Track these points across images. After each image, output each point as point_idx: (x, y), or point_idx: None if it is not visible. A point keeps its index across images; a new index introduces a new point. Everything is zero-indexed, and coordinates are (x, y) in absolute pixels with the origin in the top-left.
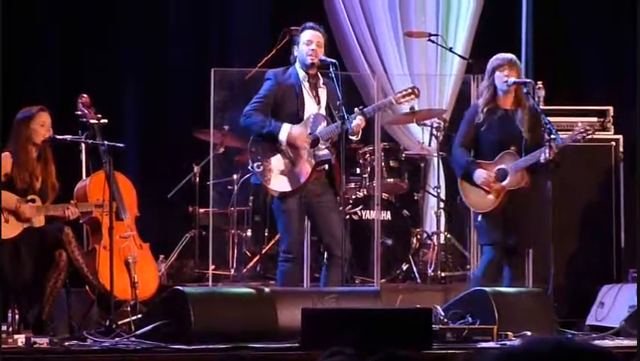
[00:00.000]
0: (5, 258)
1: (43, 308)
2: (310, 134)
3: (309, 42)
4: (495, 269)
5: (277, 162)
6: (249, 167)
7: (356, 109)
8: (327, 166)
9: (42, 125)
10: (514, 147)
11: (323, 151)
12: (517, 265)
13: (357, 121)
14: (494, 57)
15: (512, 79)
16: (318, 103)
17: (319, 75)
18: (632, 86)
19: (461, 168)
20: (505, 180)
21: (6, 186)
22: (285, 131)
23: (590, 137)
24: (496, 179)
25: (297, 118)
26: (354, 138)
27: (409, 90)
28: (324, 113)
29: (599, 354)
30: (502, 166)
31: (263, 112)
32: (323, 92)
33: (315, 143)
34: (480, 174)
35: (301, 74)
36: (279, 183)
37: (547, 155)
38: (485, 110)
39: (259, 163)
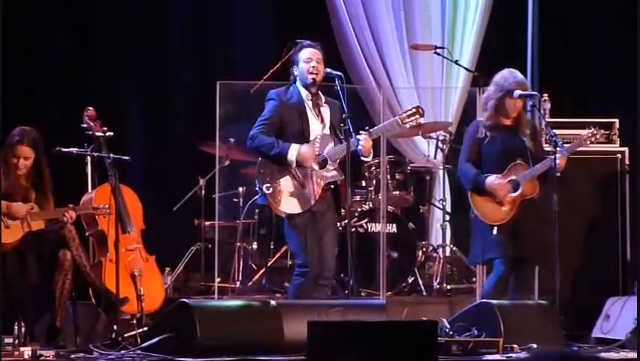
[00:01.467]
0: (10, 265)
1: (56, 314)
2: (318, 154)
3: (309, 60)
4: (505, 283)
5: (286, 183)
6: (257, 188)
7: (362, 131)
8: (333, 186)
9: (20, 158)
10: (520, 159)
11: (332, 172)
12: (524, 278)
13: (363, 142)
14: (509, 75)
15: (518, 92)
16: (322, 122)
17: (320, 94)
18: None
19: (469, 180)
20: (519, 190)
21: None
22: (294, 151)
23: (595, 146)
24: (507, 185)
25: (302, 138)
26: (366, 159)
27: (414, 110)
28: (329, 133)
29: None
30: (513, 177)
31: (269, 133)
32: (326, 111)
33: (323, 164)
34: (491, 179)
35: (303, 92)
36: (289, 205)
37: (561, 164)
38: (487, 124)
39: (268, 185)
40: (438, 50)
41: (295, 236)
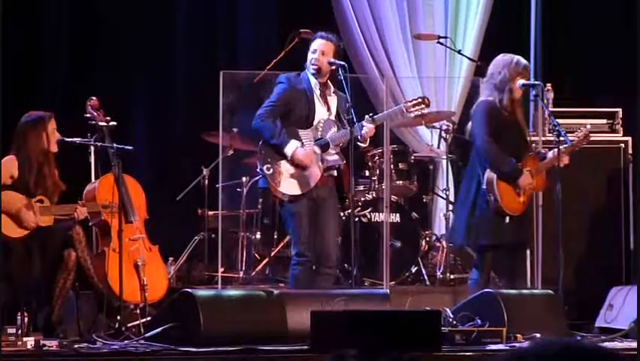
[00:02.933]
0: (16, 257)
1: (53, 310)
2: (321, 138)
3: (314, 51)
4: (488, 275)
5: (287, 165)
6: (258, 169)
7: (367, 116)
8: (335, 172)
9: (53, 133)
10: (526, 149)
11: (333, 156)
12: (518, 265)
13: (367, 129)
14: (511, 59)
15: (522, 81)
16: (328, 110)
17: (329, 84)
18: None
19: (505, 168)
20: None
21: (13, 188)
22: (292, 148)
23: (599, 135)
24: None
25: (306, 122)
26: (363, 144)
27: (419, 100)
28: (335, 120)
29: (606, 356)
30: (528, 169)
31: (275, 116)
32: (333, 100)
33: (325, 148)
34: (526, 180)
35: (312, 80)
36: (289, 187)
37: (565, 161)
38: (502, 109)
39: (269, 166)
40: (441, 40)
41: (294, 223)
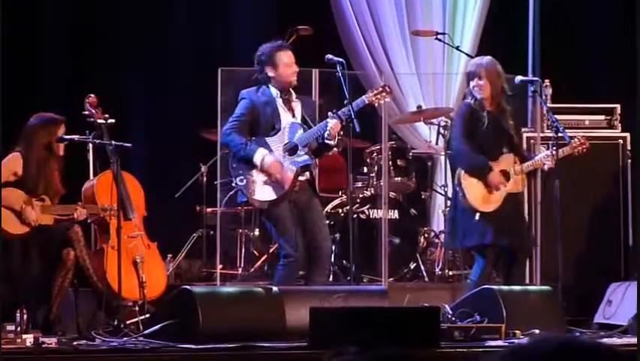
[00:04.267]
0: (15, 255)
1: (51, 308)
2: (287, 143)
3: (289, 64)
4: (489, 272)
5: (258, 173)
6: (233, 184)
7: (330, 113)
8: (308, 173)
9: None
10: (506, 148)
11: (302, 157)
12: (513, 267)
13: (331, 124)
14: (479, 59)
15: (520, 77)
16: (293, 115)
17: (291, 91)
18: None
19: (472, 166)
20: (510, 182)
21: (16, 186)
22: (259, 157)
23: (597, 132)
24: (504, 181)
25: (273, 129)
26: (331, 142)
27: (380, 89)
28: (299, 122)
29: (603, 352)
30: (504, 168)
31: (240, 129)
32: (297, 105)
33: (293, 150)
34: (495, 178)
35: (274, 92)
36: (263, 193)
37: (550, 164)
38: (479, 110)
39: (242, 177)
40: (439, 36)
41: (277, 227)
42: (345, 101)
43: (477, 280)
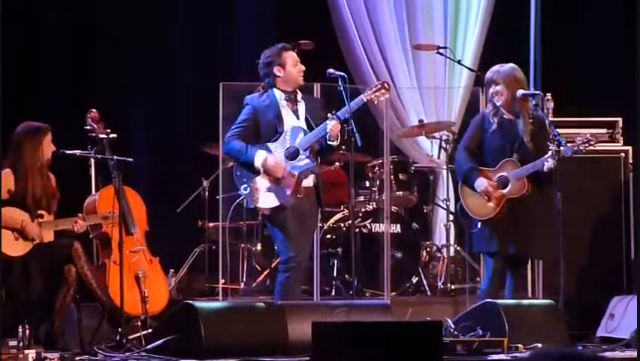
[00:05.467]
0: (16, 274)
1: (53, 323)
2: (289, 147)
3: (296, 62)
4: (499, 279)
5: (262, 180)
6: (239, 192)
7: (329, 114)
8: (313, 179)
9: (48, 145)
10: (517, 155)
11: (304, 161)
12: (518, 276)
13: (330, 125)
14: (496, 67)
15: (521, 91)
16: (297, 117)
17: (297, 90)
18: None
19: (462, 173)
20: (506, 188)
21: (11, 203)
22: (260, 159)
23: (595, 147)
24: (497, 187)
25: (275, 133)
26: (334, 143)
27: (379, 85)
28: (304, 126)
29: None
30: (504, 174)
31: (242, 137)
32: (302, 106)
33: (294, 155)
34: (481, 182)
35: (279, 95)
36: (267, 200)
37: (550, 164)
38: (492, 116)
39: (245, 185)
40: (441, 50)
41: (280, 234)
42: (347, 115)
43: (487, 288)
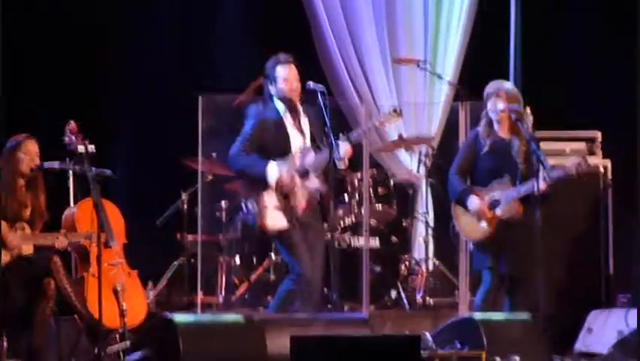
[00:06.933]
0: None
1: (33, 336)
2: (300, 167)
3: (286, 80)
4: (494, 295)
5: (270, 198)
6: (244, 207)
7: (341, 135)
8: (318, 196)
9: (26, 154)
10: (509, 176)
11: (314, 183)
12: (514, 294)
13: (344, 148)
14: (488, 84)
15: (500, 106)
16: (303, 135)
17: (298, 105)
18: (620, 112)
19: (455, 194)
20: (498, 210)
21: None
22: (273, 175)
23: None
24: (489, 208)
25: (283, 153)
26: (342, 166)
27: (392, 111)
28: (310, 144)
29: None
30: (496, 196)
31: (249, 151)
32: (305, 122)
33: (305, 176)
34: (473, 203)
35: (281, 107)
36: (275, 219)
37: (542, 188)
38: (485, 136)
39: (253, 202)
40: (421, 64)
41: (291, 252)
42: (326, 129)
43: (481, 303)
